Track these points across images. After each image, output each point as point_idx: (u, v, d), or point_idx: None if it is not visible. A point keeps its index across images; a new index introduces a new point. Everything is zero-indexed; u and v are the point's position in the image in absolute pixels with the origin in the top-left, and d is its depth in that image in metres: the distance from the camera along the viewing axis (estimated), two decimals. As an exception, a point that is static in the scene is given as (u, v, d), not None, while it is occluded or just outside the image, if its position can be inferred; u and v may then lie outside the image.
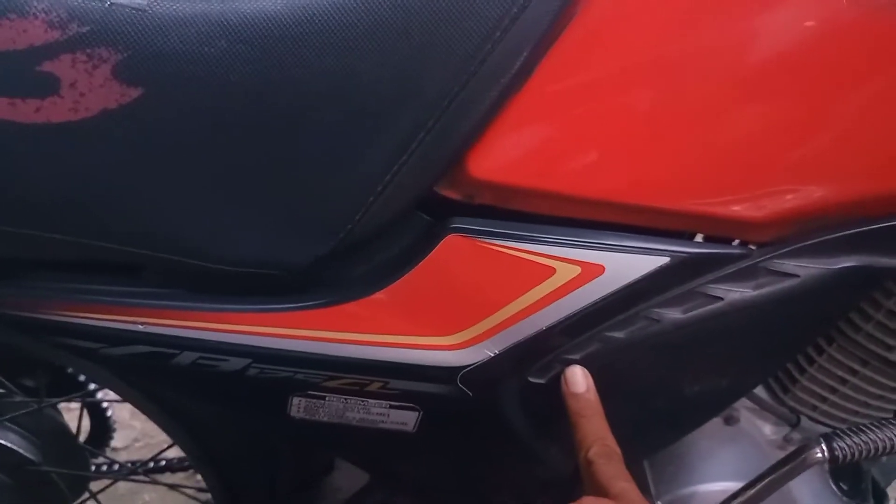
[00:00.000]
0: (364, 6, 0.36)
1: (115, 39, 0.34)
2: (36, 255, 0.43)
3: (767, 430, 0.62)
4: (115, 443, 1.07)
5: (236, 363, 0.47)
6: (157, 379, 0.49)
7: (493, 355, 0.48)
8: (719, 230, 0.45)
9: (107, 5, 0.34)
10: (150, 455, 0.95)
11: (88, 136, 0.36)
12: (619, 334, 0.47)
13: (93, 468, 0.90)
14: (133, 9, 0.34)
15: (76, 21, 0.34)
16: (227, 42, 0.35)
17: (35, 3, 0.33)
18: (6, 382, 0.70)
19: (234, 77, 0.36)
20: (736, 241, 0.47)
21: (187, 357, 0.46)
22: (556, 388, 0.49)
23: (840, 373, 0.55)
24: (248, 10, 0.35)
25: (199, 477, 0.70)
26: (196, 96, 0.36)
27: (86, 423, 0.93)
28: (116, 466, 0.95)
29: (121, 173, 0.38)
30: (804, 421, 0.60)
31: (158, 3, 0.35)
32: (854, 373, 0.54)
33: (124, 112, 0.35)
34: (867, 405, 0.56)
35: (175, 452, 0.96)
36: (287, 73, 0.36)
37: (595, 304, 0.45)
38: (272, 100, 0.37)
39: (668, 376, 0.50)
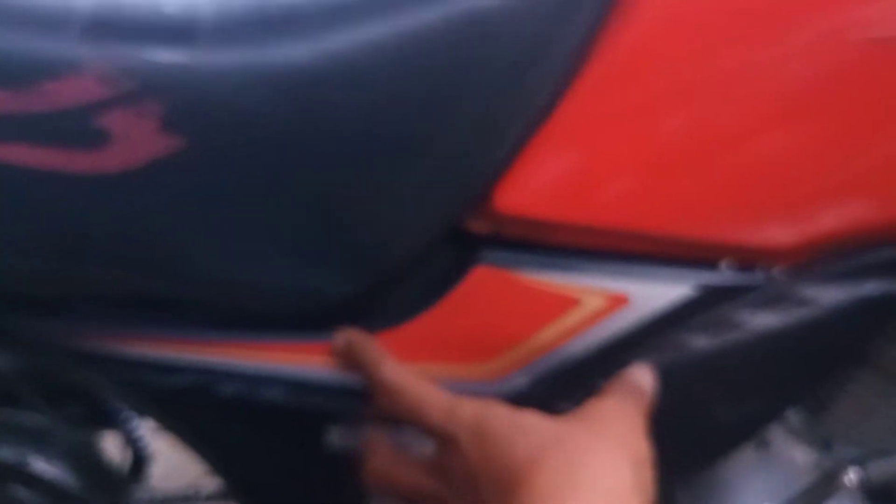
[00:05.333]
0: (390, 50, 0.37)
1: (161, 93, 0.36)
2: (89, 291, 0.46)
3: (801, 454, 0.62)
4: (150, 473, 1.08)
5: (276, 391, 0.49)
6: (201, 407, 0.51)
7: (523, 384, 0.49)
8: (743, 258, 0.46)
9: (153, 62, 0.36)
10: (184, 486, 0.97)
11: (138, 183, 0.38)
12: (645, 362, 0.48)
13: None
14: (177, 65, 0.37)
15: (125, 78, 0.36)
16: (263, 90, 0.37)
17: (88, 63, 0.36)
18: (52, 415, 0.72)
19: (269, 123, 0.38)
20: (760, 268, 0.47)
21: (231, 385, 0.48)
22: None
23: (872, 397, 0.54)
24: (280, 60, 0.37)
25: (235, 507, 0.71)
26: (236, 142, 0.38)
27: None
28: (155, 496, 0.96)
29: (168, 216, 0.40)
30: (838, 445, 0.59)
31: (200, 58, 0.37)
32: (886, 397, 0.54)
33: (171, 160, 0.38)
34: (902, 429, 0.56)
35: (211, 483, 0.98)
36: (317, 116, 0.38)
37: (620, 332, 0.46)
38: (305, 144, 0.39)
39: (697, 402, 0.51)
